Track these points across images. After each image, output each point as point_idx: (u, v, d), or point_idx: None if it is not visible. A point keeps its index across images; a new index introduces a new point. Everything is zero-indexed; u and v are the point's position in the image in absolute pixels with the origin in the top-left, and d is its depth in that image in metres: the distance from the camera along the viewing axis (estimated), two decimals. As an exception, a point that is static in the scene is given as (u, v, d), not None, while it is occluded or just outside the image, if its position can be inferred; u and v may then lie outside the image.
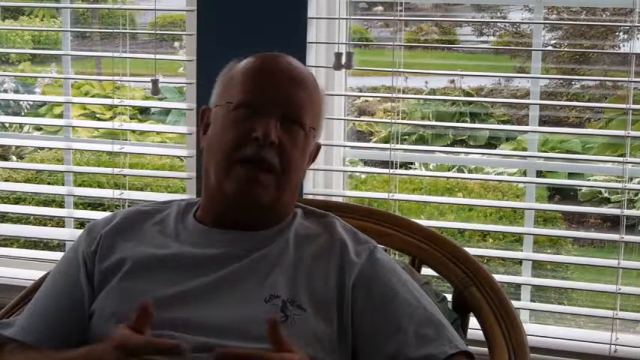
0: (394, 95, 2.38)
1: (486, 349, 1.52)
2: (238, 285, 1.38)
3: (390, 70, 2.36)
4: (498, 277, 1.74)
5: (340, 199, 2.45)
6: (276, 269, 1.40)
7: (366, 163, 3.26)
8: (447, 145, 4.49)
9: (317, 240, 1.46)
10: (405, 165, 3.89)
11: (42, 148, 4.76)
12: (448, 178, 4.35)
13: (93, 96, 5.24)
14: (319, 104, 1.50)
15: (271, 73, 1.46)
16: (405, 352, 1.34)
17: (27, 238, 3.28)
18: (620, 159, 2.27)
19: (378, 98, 4.26)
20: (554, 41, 4.33)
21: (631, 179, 2.41)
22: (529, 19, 3.63)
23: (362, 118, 4.37)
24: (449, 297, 1.63)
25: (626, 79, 2.22)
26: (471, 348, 1.41)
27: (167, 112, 5.10)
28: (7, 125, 4.50)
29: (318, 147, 1.54)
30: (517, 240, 3.42)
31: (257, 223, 1.46)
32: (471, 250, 1.73)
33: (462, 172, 4.12)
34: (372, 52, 3.33)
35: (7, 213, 3.16)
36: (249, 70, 1.46)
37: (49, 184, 3.90)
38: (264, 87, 1.43)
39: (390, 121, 2.43)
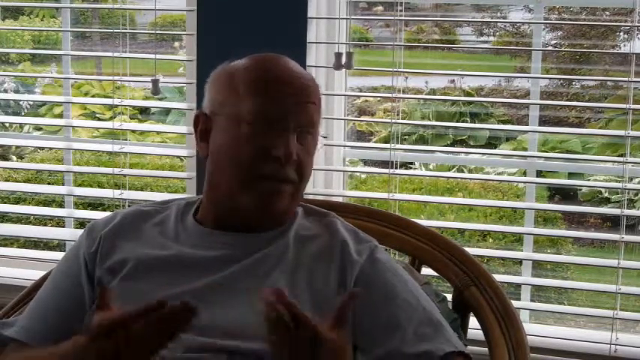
0: (394, 95, 2.38)
1: (486, 349, 1.52)
2: (238, 286, 1.38)
3: (390, 70, 2.36)
4: (498, 277, 1.74)
5: (340, 199, 2.45)
6: (276, 270, 1.40)
7: (366, 163, 3.26)
8: (447, 145, 4.49)
9: (318, 240, 1.46)
10: (405, 165, 3.89)
11: (42, 148, 4.77)
12: (448, 178, 4.34)
13: (93, 96, 5.24)
14: (321, 106, 1.49)
15: (280, 83, 1.42)
16: (403, 350, 1.34)
17: (27, 238, 3.28)
18: (620, 159, 2.27)
19: (378, 98, 4.26)
20: (555, 41, 4.33)
21: (631, 179, 2.41)
22: (529, 19, 3.62)
23: (362, 118, 4.37)
24: (449, 297, 1.63)
25: (626, 79, 2.22)
26: (471, 348, 1.41)
27: (167, 112, 5.10)
28: (7, 125, 4.50)
29: None
30: (517, 240, 3.42)
31: (259, 225, 1.45)
32: (471, 250, 1.73)
33: (462, 172, 4.11)
34: (372, 52, 3.34)
35: (7, 213, 3.16)
36: (255, 81, 1.42)
37: (49, 184, 3.90)
38: (277, 100, 1.40)
39: (390, 121, 2.43)
